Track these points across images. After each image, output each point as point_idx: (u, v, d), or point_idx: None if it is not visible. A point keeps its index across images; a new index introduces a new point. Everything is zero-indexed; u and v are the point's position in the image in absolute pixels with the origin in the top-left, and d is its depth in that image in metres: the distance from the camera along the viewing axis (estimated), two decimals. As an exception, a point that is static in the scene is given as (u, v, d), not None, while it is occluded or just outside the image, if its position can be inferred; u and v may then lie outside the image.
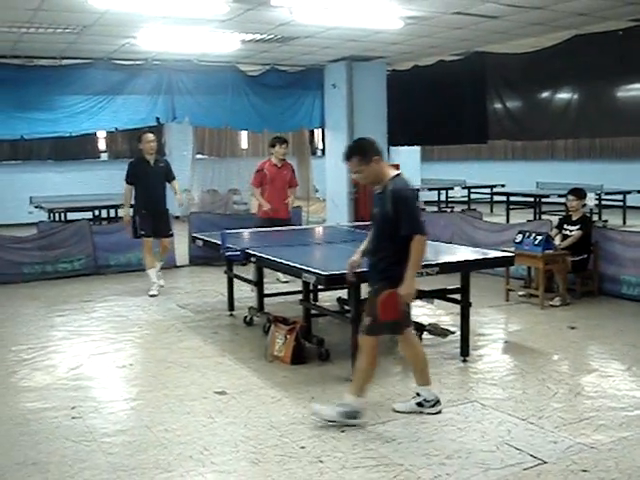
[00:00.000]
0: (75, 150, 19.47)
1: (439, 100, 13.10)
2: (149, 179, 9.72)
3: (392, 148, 15.07)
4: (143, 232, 9.80)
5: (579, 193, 9.66)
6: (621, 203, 16.47)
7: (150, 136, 9.80)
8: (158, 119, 12.45)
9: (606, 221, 15.67)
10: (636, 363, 6.67)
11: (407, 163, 19.52)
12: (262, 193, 10.08)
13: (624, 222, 15.97)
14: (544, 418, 5.32)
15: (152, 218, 9.79)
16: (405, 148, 18.32)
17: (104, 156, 20.71)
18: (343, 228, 10.15)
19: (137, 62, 12.03)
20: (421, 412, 5.41)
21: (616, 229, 11.12)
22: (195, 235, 9.22)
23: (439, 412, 5.42)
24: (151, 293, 9.81)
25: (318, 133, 21.16)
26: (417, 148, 21.19)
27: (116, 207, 14.92)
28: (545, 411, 5.46)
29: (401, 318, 5.23)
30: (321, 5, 8.40)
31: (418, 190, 18.41)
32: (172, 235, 10.44)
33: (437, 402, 5.47)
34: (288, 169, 10.32)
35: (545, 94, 11.68)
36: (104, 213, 15.77)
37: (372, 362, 5.27)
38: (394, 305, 5.07)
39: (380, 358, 6.86)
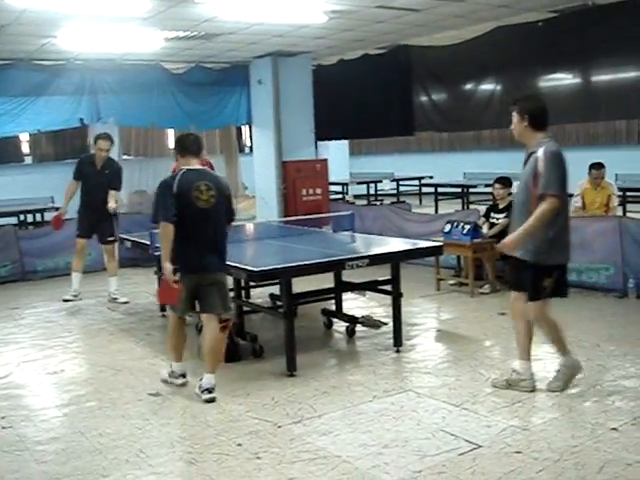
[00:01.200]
0: (-4, 153, 18.99)
1: (365, 94, 13.16)
2: (91, 181, 9.46)
3: (320, 143, 15.08)
4: (78, 232, 9.58)
5: (505, 181, 9.83)
6: (546, 190, 16.77)
7: (104, 144, 9.46)
8: (82, 120, 12.21)
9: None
10: (564, 346, 6.81)
11: (336, 157, 19.65)
12: None
13: (549, 209, 16.26)
14: (478, 403, 5.40)
15: (90, 220, 9.52)
16: (333, 142, 18.40)
17: (28, 159, 20.24)
18: (274, 224, 10.14)
19: (59, 62, 11.75)
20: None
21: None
22: (123, 236, 9.10)
23: None
24: (65, 297, 9.51)
25: (245, 130, 21.06)
26: (345, 142, 21.28)
27: (42, 211, 14.62)
28: (478, 396, 5.55)
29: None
30: (245, 1, 8.36)
31: (346, 184, 18.42)
32: (114, 241, 9.79)
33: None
34: (206, 166, 9.92)
35: (469, 85, 11.85)
36: (30, 218, 15.43)
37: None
38: None
39: (314, 351, 6.91)
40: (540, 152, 5.33)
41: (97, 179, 9.47)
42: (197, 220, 5.71)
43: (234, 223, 8.56)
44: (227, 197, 5.97)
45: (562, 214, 5.45)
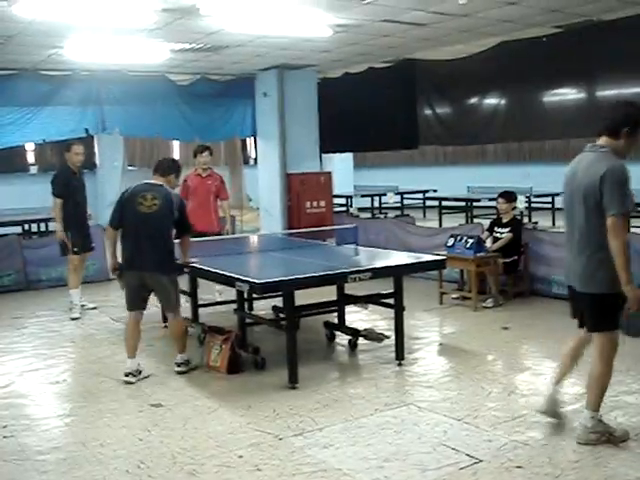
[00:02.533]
0: (3, 163, 19.03)
1: (370, 107, 13.20)
2: (78, 192, 9.39)
3: (325, 155, 15.11)
4: (76, 249, 9.37)
5: (509, 196, 9.83)
6: (550, 205, 16.80)
7: (80, 148, 9.43)
8: (87, 130, 12.24)
9: (536, 223, 15.91)
10: (567, 361, 6.80)
11: (340, 170, 19.68)
12: (188, 205, 9.15)
13: (553, 223, 16.28)
14: (479, 417, 5.40)
15: (81, 233, 9.48)
16: (338, 155, 18.43)
17: (33, 169, 20.33)
18: (277, 237, 10.15)
19: (65, 72, 11.82)
20: None
21: (546, 230, 11.37)
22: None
23: None
24: (74, 316, 9.34)
25: (250, 142, 21.12)
26: (350, 155, 21.30)
27: (46, 220, 14.64)
28: (480, 411, 5.54)
29: None
30: (251, 14, 8.39)
31: (351, 197, 18.44)
32: (94, 249, 10.00)
33: None
34: (214, 180, 9.88)
35: (473, 100, 11.88)
36: (34, 227, 15.46)
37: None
38: None
39: (316, 364, 6.91)
40: None
41: (81, 187, 9.49)
42: (137, 223, 6.63)
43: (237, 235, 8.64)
44: (177, 210, 6.77)
45: None
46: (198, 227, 9.24)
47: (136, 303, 6.81)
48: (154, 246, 6.60)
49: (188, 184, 9.74)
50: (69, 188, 9.30)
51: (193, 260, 7.06)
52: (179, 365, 6.83)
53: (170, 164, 7.18)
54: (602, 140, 4.74)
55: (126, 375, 6.60)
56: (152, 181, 6.89)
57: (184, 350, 6.91)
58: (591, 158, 4.73)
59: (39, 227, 15.37)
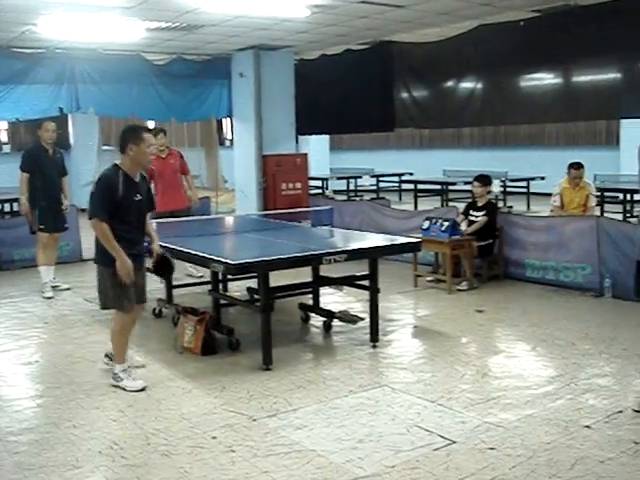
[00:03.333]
0: (-25, 142, 18.88)
1: (347, 89, 13.16)
2: (48, 170, 9.30)
3: (301, 137, 15.06)
4: (43, 227, 9.34)
5: (484, 180, 9.86)
6: (525, 189, 16.91)
7: (51, 125, 9.37)
8: (61, 109, 12.10)
9: (511, 207, 16.04)
10: (540, 343, 6.87)
11: (316, 152, 19.67)
12: (155, 188, 9.49)
13: (528, 208, 16.38)
14: (453, 399, 5.42)
15: (52, 212, 9.40)
16: (314, 137, 18.42)
17: (6, 148, 20.10)
18: (252, 218, 10.12)
19: (39, 50, 11.66)
20: None
21: (521, 214, 11.44)
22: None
23: None
24: (47, 295, 9.31)
25: (226, 123, 21.01)
26: (326, 137, 21.29)
27: (19, 200, 14.50)
28: (454, 393, 5.56)
29: None
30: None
31: (326, 179, 18.47)
32: (67, 229, 10.03)
33: None
34: (175, 157, 10.07)
35: (450, 83, 11.86)
36: (7, 207, 15.31)
37: None
38: None
39: (290, 345, 6.91)
40: None
41: (52, 165, 9.40)
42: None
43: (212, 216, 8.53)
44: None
45: None
46: (171, 206, 9.52)
47: None
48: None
49: (152, 167, 9.68)
50: (38, 164, 9.26)
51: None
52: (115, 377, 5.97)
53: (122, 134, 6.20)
54: None
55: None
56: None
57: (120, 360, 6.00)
58: None
59: (12, 207, 15.20)
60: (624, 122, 17.17)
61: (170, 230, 8.28)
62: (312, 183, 16.63)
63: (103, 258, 5.72)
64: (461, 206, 10.55)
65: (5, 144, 20.12)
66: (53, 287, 9.51)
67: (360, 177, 19.52)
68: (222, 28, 10.64)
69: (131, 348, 6.24)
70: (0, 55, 11.40)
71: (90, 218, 5.61)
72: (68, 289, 9.66)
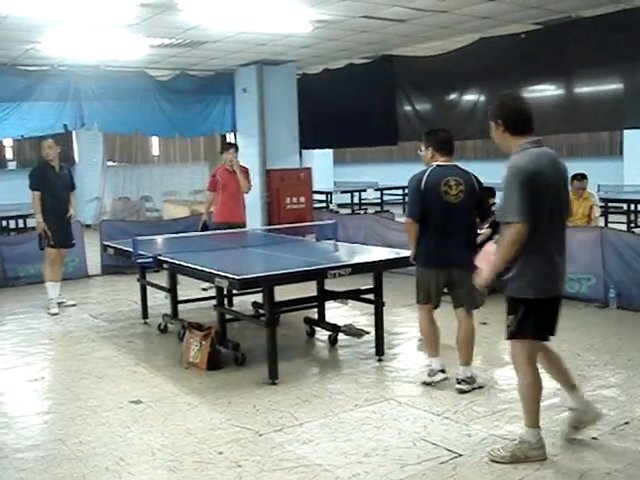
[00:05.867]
0: (-20, 159, 18.95)
1: (350, 103, 13.20)
2: (55, 186, 9.37)
3: (304, 151, 15.10)
4: (53, 243, 9.38)
5: (488, 192, 9.85)
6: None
7: (49, 141, 9.44)
8: (66, 126, 12.16)
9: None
10: (545, 356, 6.85)
11: (320, 166, 19.70)
12: (216, 198, 10.21)
13: (532, 219, 16.36)
14: (459, 412, 5.42)
15: (61, 228, 9.45)
16: (318, 151, 18.44)
17: (12, 165, 20.18)
18: (257, 232, 10.14)
19: (43, 68, 11.73)
20: None
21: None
22: (106, 243, 9.08)
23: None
24: (52, 311, 9.32)
25: (230, 138, 21.06)
26: (329, 151, 21.33)
27: (24, 217, 14.56)
28: (459, 405, 5.56)
29: None
30: (230, 9, 8.37)
31: (330, 193, 18.46)
32: (75, 245, 10.14)
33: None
34: (242, 173, 10.29)
35: (453, 96, 11.89)
36: (12, 224, 15.37)
37: None
38: None
39: (296, 360, 6.91)
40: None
41: (60, 182, 9.46)
42: (444, 214, 5.90)
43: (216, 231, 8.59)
44: (478, 194, 6.11)
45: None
46: (229, 219, 10.01)
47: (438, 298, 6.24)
48: (462, 239, 6.04)
49: (217, 178, 10.28)
50: (45, 181, 9.33)
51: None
52: (460, 382, 5.93)
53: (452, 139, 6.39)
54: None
55: (458, 382, 5.93)
56: (446, 163, 6.15)
57: (470, 361, 6.05)
58: (550, 153, 4.61)
59: (17, 223, 15.28)
60: (627, 132, 17.20)
61: (176, 245, 8.32)
62: (316, 197, 16.66)
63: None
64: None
65: (10, 161, 20.20)
66: (59, 303, 9.52)
67: (364, 190, 19.57)
68: (225, 44, 10.70)
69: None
70: (5, 73, 11.48)
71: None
72: (74, 305, 9.68)
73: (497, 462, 4.52)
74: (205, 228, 10.00)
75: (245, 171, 10.42)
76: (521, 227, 4.30)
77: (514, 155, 4.51)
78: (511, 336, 4.58)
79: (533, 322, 4.51)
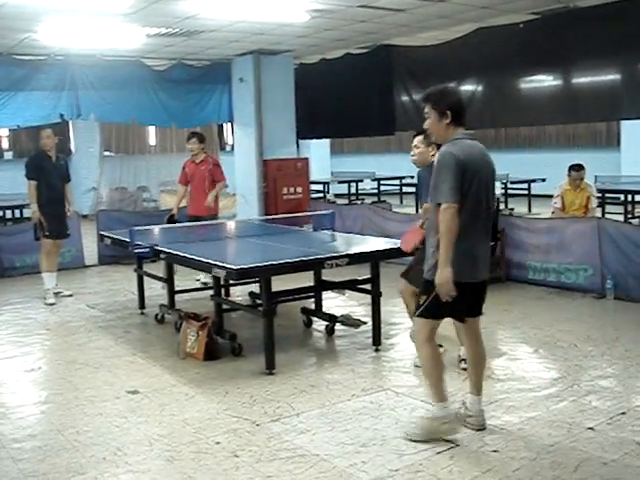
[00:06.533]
0: (-24, 149, 18.90)
1: (347, 93, 13.18)
2: (51, 176, 9.32)
3: (301, 141, 15.08)
4: (48, 234, 9.35)
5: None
6: (526, 192, 16.93)
7: (47, 131, 9.40)
8: (62, 116, 12.12)
9: (512, 209, 16.07)
10: (542, 345, 6.87)
11: (317, 156, 19.68)
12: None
13: (529, 210, 16.40)
14: (456, 402, 5.41)
15: (56, 218, 9.41)
16: (315, 141, 18.43)
17: (8, 155, 20.13)
18: (254, 223, 10.12)
19: (39, 57, 11.68)
20: None
21: (522, 217, 11.44)
22: (103, 233, 9.06)
23: None
24: (48, 301, 9.30)
25: (227, 128, 21.02)
26: (326, 141, 21.30)
27: (21, 207, 14.52)
28: (456, 396, 5.55)
29: None
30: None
31: (328, 183, 18.48)
32: (70, 235, 10.07)
33: None
34: (207, 164, 9.95)
35: (450, 86, 11.85)
36: (8, 214, 15.34)
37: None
38: None
39: (293, 350, 6.91)
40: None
41: (56, 172, 9.42)
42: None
43: (216, 221, 8.51)
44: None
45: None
46: (194, 212, 9.80)
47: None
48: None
49: (186, 171, 10.10)
50: (41, 171, 9.29)
51: None
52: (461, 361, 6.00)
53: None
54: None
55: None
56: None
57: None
58: (480, 146, 4.81)
59: (13, 213, 15.26)
60: (625, 123, 17.20)
61: (173, 235, 8.30)
62: (313, 187, 16.64)
63: None
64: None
65: (7, 151, 20.14)
66: (55, 294, 9.51)
67: (361, 181, 19.55)
68: (222, 33, 10.66)
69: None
70: (1, 62, 11.43)
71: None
72: (70, 295, 9.67)
73: (413, 440, 4.72)
74: (172, 222, 9.49)
75: (215, 163, 10.17)
76: (453, 208, 4.46)
77: (448, 144, 4.66)
78: (419, 315, 4.81)
79: (440, 305, 4.64)
